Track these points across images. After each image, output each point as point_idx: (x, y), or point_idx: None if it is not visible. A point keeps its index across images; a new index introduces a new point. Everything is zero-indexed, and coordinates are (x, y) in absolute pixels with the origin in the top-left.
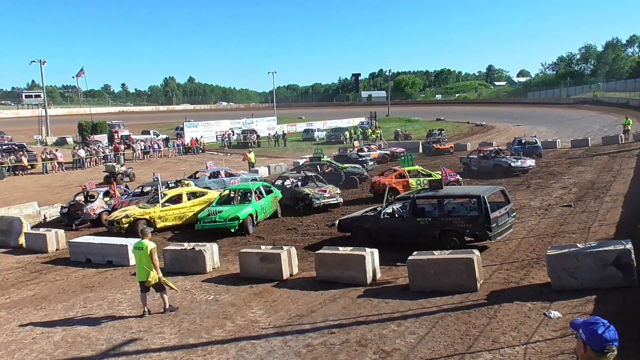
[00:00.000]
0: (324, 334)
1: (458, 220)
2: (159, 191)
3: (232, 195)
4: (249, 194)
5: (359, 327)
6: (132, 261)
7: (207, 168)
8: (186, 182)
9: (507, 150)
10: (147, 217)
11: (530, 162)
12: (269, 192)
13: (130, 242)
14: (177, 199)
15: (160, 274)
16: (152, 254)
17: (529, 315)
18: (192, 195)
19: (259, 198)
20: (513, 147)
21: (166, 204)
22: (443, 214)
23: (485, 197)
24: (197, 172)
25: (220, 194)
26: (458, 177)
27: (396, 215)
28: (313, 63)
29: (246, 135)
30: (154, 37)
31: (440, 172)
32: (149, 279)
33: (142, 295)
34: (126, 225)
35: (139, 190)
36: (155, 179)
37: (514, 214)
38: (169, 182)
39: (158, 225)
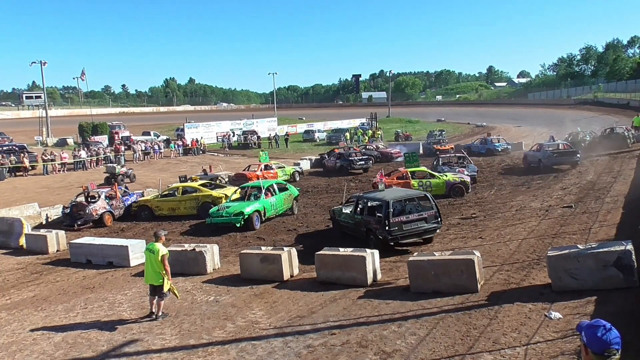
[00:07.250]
0: (325, 334)
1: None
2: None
3: (246, 192)
4: (259, 192)
5: (359, 328)
6: (133, 262)
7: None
8: (195, 177)
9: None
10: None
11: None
12: (283, 189)
13: (130, 243)
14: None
15: (171, 281)
16: (163, 261)
17: (529, 316)
18: (186, 191)
19: (271, 195)
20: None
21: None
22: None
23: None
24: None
25: (235, 191)
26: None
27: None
28: (313, 64)
29: (247, 136)
30: (154, 38)
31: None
32: (165, 284)
33: (151, 297)
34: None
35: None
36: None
37: None
38: (216, 175)
39: (156, 214)
